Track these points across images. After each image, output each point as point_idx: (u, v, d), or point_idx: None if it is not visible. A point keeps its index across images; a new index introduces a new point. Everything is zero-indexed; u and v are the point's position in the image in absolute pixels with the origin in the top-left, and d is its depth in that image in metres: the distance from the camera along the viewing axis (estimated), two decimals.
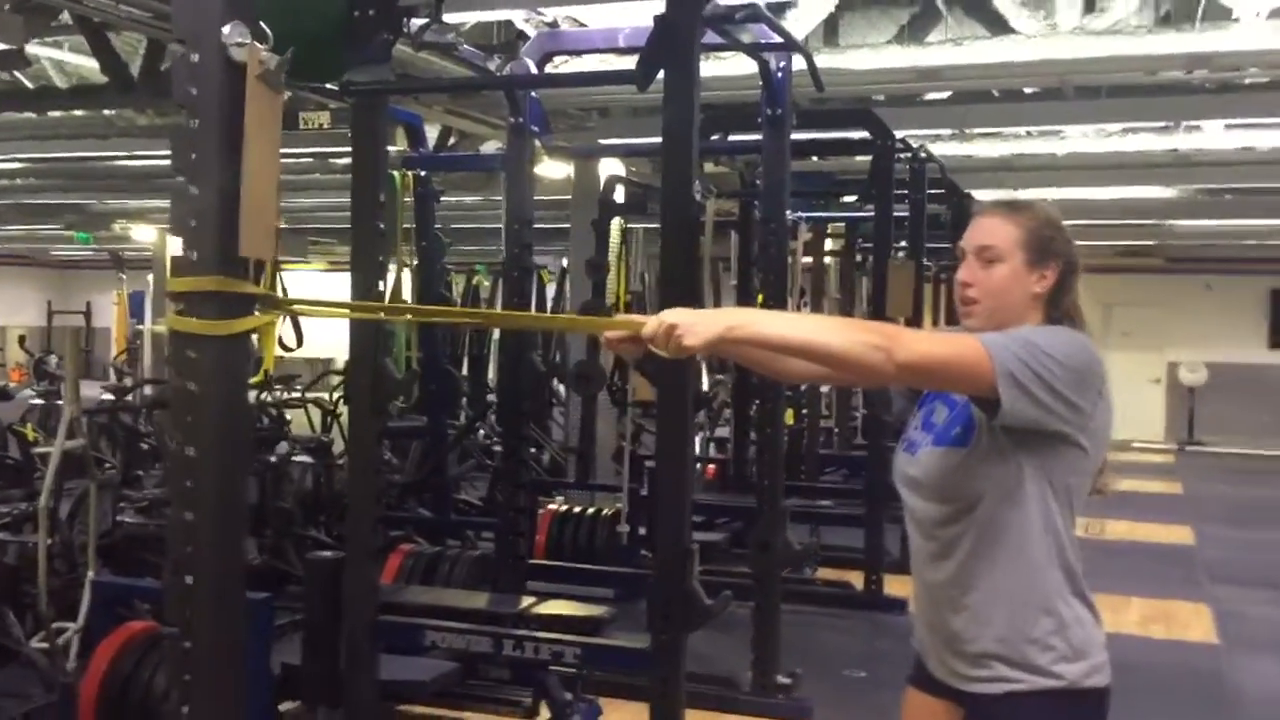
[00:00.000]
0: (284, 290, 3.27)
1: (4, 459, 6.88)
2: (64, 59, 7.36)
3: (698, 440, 7.97)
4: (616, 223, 7.19)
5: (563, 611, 4.40)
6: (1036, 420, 2.06)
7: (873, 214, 7.29)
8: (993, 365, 2.02)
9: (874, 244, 7.26)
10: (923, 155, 7.25)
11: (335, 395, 8.01)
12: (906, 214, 7.46)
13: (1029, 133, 8.61)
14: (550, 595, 4.89)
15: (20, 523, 4.98)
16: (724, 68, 6.16)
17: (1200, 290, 16.61)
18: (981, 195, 9.40)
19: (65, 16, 6.18)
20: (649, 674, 3.81)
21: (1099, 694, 2.16)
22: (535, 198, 5.59)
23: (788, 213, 5.33)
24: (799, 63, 5.00)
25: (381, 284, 3.93)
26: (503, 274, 5.79)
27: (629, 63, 5.79)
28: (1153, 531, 9.28)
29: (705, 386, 8.80)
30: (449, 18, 5.47)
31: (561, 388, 9.54)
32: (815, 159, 8.40)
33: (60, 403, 5.16)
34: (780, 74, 4.98)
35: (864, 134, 6.72)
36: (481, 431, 8.61)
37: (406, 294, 6.90)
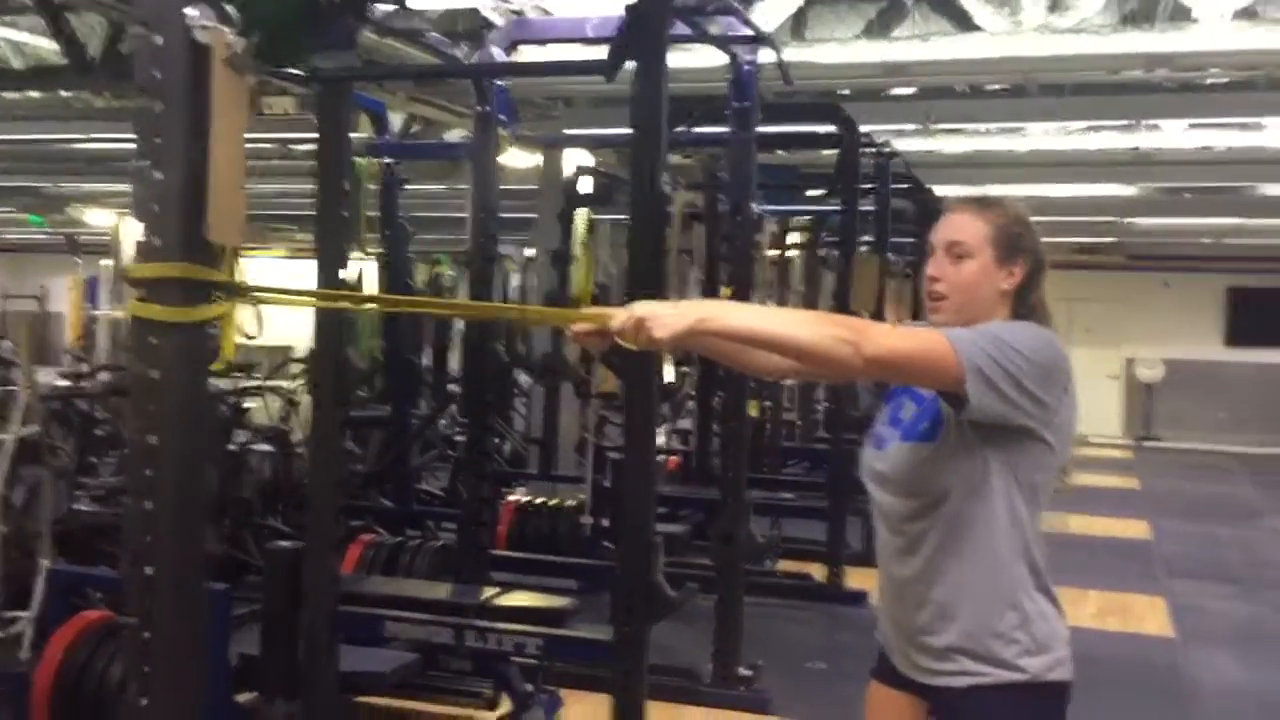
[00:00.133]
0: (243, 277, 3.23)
1: None
2: (22, 40, 7.24)
3: (660, 432, 7.97)
4: (583, 213, 7.17)
5: (525, 603, 4.38)
6: (1003, 415, 2.07)
7: (837, 208, 7.31)
8: (960, 360, 2.03)
9: (839, 238, 7.29)
10: (888, 150, 7.27)
11: (295, 384, 7.93)
12: (871, 209, 7.49)
13: (991, 129, 8.66)
14: (513, 586, 4.88)
15: None
16: (690, 59, 6.15)
17: (1158, 288, 16.81)
18: (944, 191, 9.46)
19: None
20: (611, 666, 3.81)
21: (1062, 687, 2.18)
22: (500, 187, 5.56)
23: (753, 206, 5.33)
24: (767, 56, 5.00)
25: (345, 272, 3.88)
26: (468, 263, 5.74)
27: (596, 52, 5.77)
28: (1110, 526, 9.38)
29: (669, 378, 8.79)
30: (414, 4, 5.42)
31: (524, 378, 9.50)
32: (780, 152, 8.41)
33: (13, 389, 5.06)
34: (748, 67, 4.98)
35: (830, 128, 6.73)
36: (443, 422, 8.56)
37: (372, 282, 6.86)
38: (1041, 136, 8.57)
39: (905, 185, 8.24)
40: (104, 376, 8.76)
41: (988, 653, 2.14)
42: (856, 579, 6.70)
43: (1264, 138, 8.06)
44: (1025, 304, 2.26)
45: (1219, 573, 8.21)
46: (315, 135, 3.92)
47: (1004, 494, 2.14)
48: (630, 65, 3.76)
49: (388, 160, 6.66)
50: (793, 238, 9.75)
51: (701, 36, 4.70)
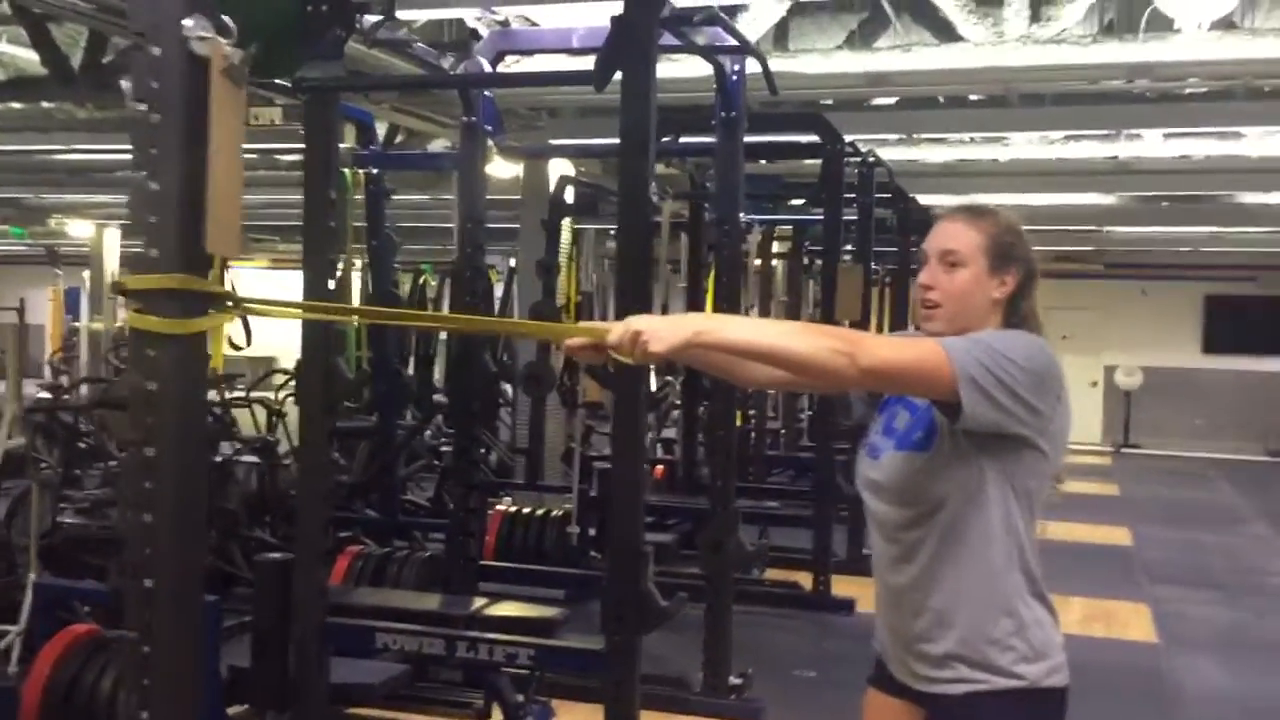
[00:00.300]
0: (233, 288, 3.23)
1: None
2: (2, 50, 7.20)
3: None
4: (566, 223, 7.17)
5: (516, 613, 4.37)
6: (997, 424, 2.08)
7: (820, 217, 7.33)
8: (954, 369, 2.04)
9: (823, 247, 7.31)
10: (871, 160, 7.31)
11: (281, 395, 7.91)
12: (854, 218, 7.52)
13: (973, 139, 8.71)
14: (502, 596, 4.87)
15: None
16: (673, 69, 6.17)
17: (1136, 296, 16.92)
18: (926, 200, 9.51)
19: (4, 7, 6.05)
20: (603, 676, 3.81)
21: (1058, 694, 2.19)
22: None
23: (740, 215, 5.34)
24: (752, 66, 5.02)
25: (333, 283, 3.87)
26: (455, 274, 5.75)
27: (580, 63, 5.79)
28: (1091, 532, 9.44)
29: (653, 387, 8.80)
30: (401, 15, 5.43)
31: (509, 388, 9.49)
32: (762, 162, 8.43)
33: None
34: (735, 77, 5.00)
35: (813, 138, 6.76)
36: (428, 432, 8.54)
37: (357, 293, 6.84)
38: (1023, 146, 8.62)
39: (886, 195, 8.28)
40: (85, 389, 8.73)
41: (985, 660, 2.15)
42: (843, 587, 6.71)
43: (1242, 146, 8.13)
44: (1017, 313, 2.28)
45: (1201, 578, 8.27)
46: (299, 145, 3.92)
47: (1000, 502, 2.15)
48: (616, 75, 3.77)
49: (374, 170, 6.65)
50: (774, 247, 9.78)
51: (688, 47, 4.72)
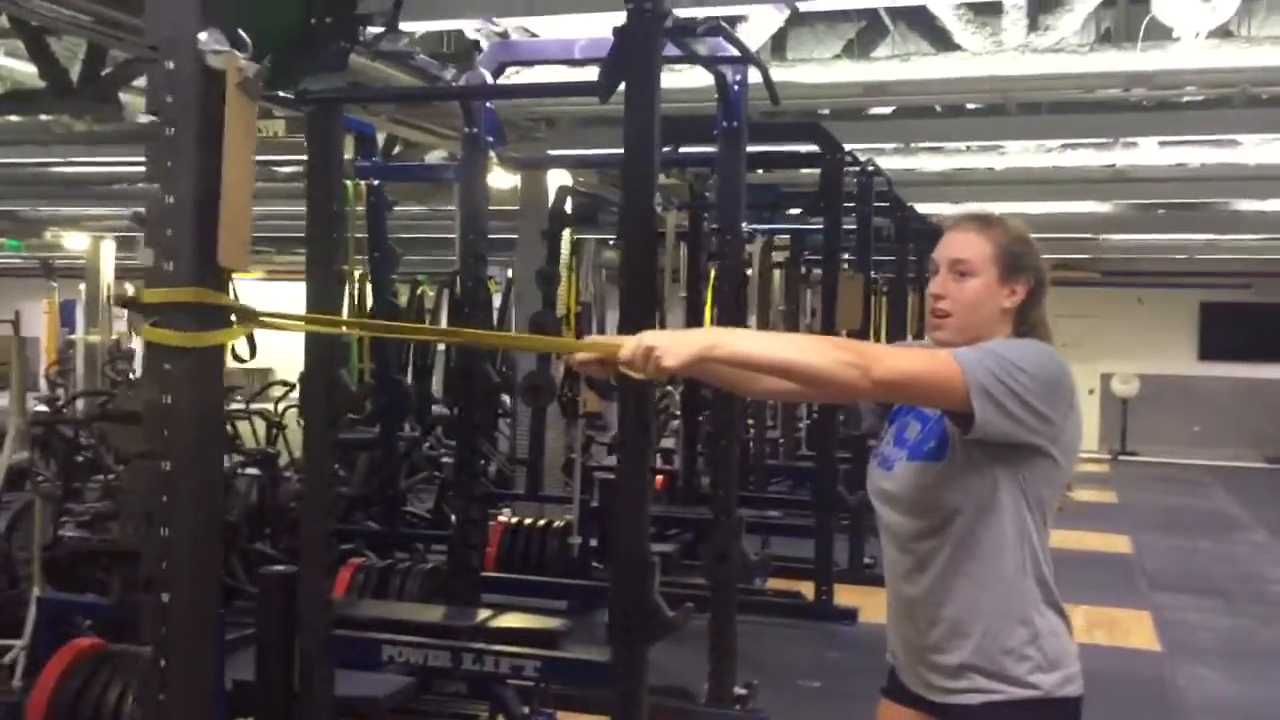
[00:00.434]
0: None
1: None
2: (0, 63, 7.19)
3: None
4: (566, 233, 7.19)
5: (521, 624, 4.37)
6: (1009, 433, 2.09)
7: (818, 227, 7.34)
8: (966, 380, 2.05)
9: (823, 257, 7.31)
10: (871, 169, 7.32)
11: (280, 406, 7.90)
12: (853, 227, 7.53)
13: (970, 147, 8.73)
14: (505, 608, 4.86)
15: None
16: (674, 79, 6.18)
17: (1133, 303, 16.95)
18: (924, 209, 9.54)
19: (2, 20, 6.04)
20: (610, 687, 3.80)
21: (1074, 703, 2.19)
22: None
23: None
24: (753, 76, 5.03)
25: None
26: (457, 285, 5.74)
27: (582, 74, 5.80)
28: (1091, 540, 9.43)
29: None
30: (402, 26, 5.43)
31: (509, 399, 9.49)
32: (761, 171, 8.45)
33: None
34: (736, 87, 5.00)
35: (812, 147, 6.77)
36: (428, 443, 8.53)
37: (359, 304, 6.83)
38: (1020, 154, 8.64)
39: (884, 204, 8.29)
40: (81, 402, 8.71)
41: (1000, 670, 2.15)
42: (845, 596, 6.71)
43: (1238, 154, 8.15)
44: (1026, 321, 2.29)
45: (1201, 586, 8.27)
46: (297, 158, 3.91)
47: (1013, 510, 2.15)
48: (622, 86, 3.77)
49: (375, 182, 6.65)
50: (773, 256, 9.78)
51: (690, 57, 4.72)
